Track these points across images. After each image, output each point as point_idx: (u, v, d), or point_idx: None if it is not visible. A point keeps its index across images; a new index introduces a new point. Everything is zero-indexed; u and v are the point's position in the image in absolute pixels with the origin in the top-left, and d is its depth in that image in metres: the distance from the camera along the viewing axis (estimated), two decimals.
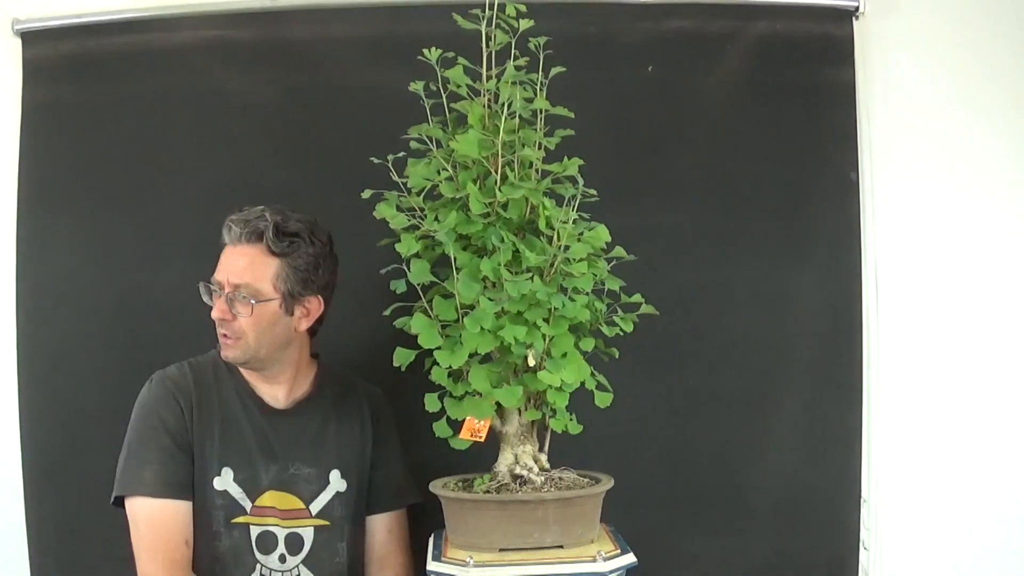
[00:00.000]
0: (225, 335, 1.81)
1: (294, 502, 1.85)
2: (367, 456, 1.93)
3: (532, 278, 1.54)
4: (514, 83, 1.62)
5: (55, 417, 2.14)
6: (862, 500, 2.21)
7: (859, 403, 2.21)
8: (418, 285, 1.58)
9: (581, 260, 1.59)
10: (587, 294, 1.61)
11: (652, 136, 2.24)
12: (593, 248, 1.63)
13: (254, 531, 1.82)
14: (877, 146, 2.26)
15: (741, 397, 2.19)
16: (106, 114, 2.20)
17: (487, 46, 1.66)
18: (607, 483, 1.61)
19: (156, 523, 1.76)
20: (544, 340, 1.56)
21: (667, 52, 2.23)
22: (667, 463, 2.19)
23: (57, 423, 2.14)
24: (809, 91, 2.24)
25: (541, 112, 1.66)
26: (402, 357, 1.60)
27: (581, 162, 1.66)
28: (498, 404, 1.57)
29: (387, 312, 1.63)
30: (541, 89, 1.65)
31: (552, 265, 1.59)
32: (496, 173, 1.61)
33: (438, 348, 1.54)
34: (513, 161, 1.62)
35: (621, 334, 1.66)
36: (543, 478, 1.61)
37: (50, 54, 2.21)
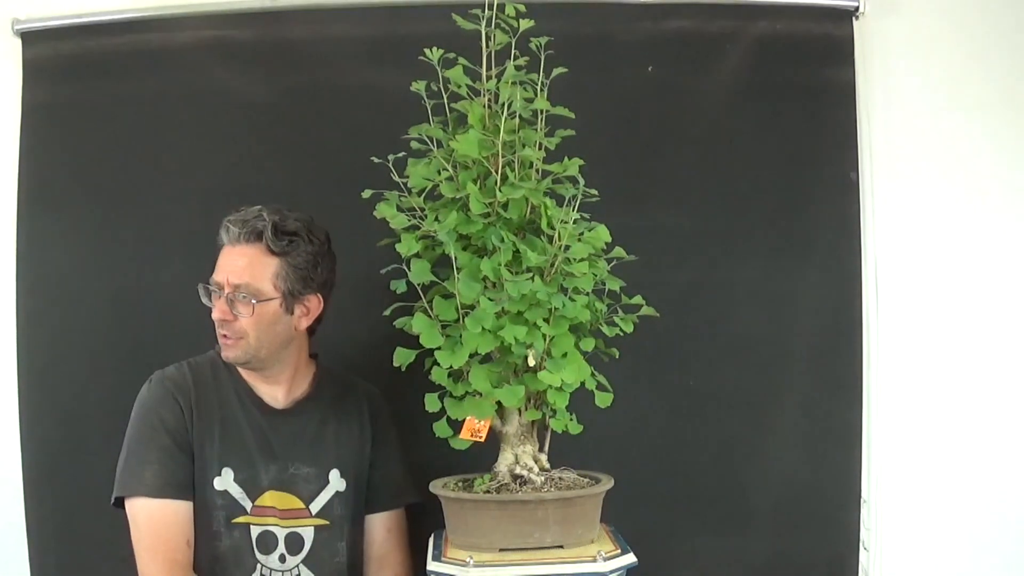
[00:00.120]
0: (226, 336, 1.81)
1: (294, 502, 1.85)
2: (366, 456, 1.93)
3: (532, 278, 1.54)
4: (514, 83, 1.62)
5: (55, 417, 2.14)
6: (862, 500, 2.21)
7: (859, 403, 2.21)
8: (418, 285, 1.58)
9: (581, 260, 1.59)
10: (587, 294, 1.61)
11: (652, 136, 2.24)
12: (593, 248, 1.63)
13: (254, 531, 1.82)
14: (877, 146, 2.26)
15: (741, 397, 2.19)
16: (106, 114, 2.20)
17: (487, 46, 1.66)
18: (607, 483, 1.61)
19: (157, 523, 1.76)
20: (544, 340, 1.56)
21: (667, 52, 2.24)
22: (667, 463, 2.19)
23: (57, 423, 2.14)
24: (809, 91, 2.24)
25: (541, 112, 1.66)
26: (402, 357, 1.60)
27: (581, 162, 1.66)
28: (498, 404, 1.57)
29: (387, 312, 1.62)
30: (541, 89, 1.65)
31: (552, 265, 1.59)
32: (496, 173, 1.61)
33: (438, 348, 1.54)
34: (513, 161, 1.62)
35: (621, 334, 1.66)
36: (543, 478, 1.61)
37: (50, 54, 2.21)
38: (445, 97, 1.66)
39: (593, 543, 1.58)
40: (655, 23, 2.24)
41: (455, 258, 1.55)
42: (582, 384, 1.60)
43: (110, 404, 2.01)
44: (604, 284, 1.67)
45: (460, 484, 1.65)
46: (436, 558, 1.57)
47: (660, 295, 1.75)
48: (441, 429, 1.62)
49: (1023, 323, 2.27)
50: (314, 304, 1.86)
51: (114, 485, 1.80)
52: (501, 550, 1.54)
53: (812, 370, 2.21)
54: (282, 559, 1.83)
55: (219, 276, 1.81)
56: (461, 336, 1.54)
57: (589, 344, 1.63)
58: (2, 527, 2.15)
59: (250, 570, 1.81)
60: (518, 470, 1.62)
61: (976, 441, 2.25)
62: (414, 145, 1.67)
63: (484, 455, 1.65)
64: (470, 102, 1.67)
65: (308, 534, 1.85)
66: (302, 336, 1.90)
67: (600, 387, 1.64)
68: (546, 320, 1.56)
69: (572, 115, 1.69)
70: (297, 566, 1.84)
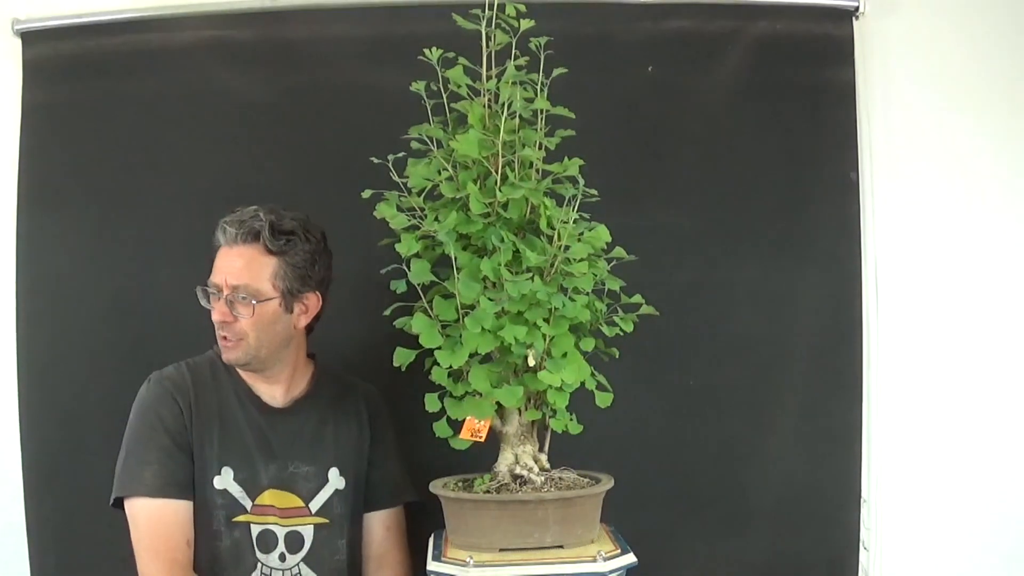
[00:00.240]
0: (226, 338, 1.81)
1: (293, 500, 1.85)
2: (364, 454, 1.93)
3: (532, 278, 1.54)
4: (514, 83, 1.62)
5: (55, 417, 2.14)
6: (862, 500, 2.21)
7: (859, 403, 2.21)
8: (418, 285, 1.58)
9: (581, 260, 1.59)
10: (587, 294, 1.61)
11: (652, 136, 2.24)
12: (593, 248, 1.63)
13: (255, 530, 1.82)
14: (877, 146, 2.26)
15: (741, 397, 2.19)
16: (106, 114, 2.20)
17: (487, 46, 1.66)
18: (607, 483, 1.61)
19: (156, 523, 1.76)
20: (544, 340, 1.56)
21: (667, 52, 2.24)
22: (667, 463, 2.19)
23: (57, 423, 2.14)
24: (809, 91, 2.24)
25: (541, 112, 1.66)
26: (402, 357, 1.60)
27: (581, 162, 1.66)
28: (498, 404, 1.57)
29: (387, 312, 1.62)
30: (541, 89, 1.65)
31: (552, 265, 1.59)
32: (496, 173, 1.61)
33: (438, 348, 1.54)
34: (513, 161, 1.62)
35: (621, 334, 1.66)
36: (543, 478, 1.61)
37: (50, 54, 2.21)
38: (445, 97, 1.66)
39: (593, 543, 1.58)
40: (655, 23, 2.24)
41: (455, 258, 1.55)
42: (582, 384, 1.60)
43: (110, 404, 2.01)
44: (604, 284, 1.67)
45: (460, 484, 1.65)
46: (436, 558, 1.57)
47: (660, 295, 1.75)
48: (441, 429, 1.62)
49: (1023, 323, 2.27)
50: (313, 302, 1.86)
51: (113, 486, 1.80)
52: (501, 550, 1.53)
53: (812, 370, 2.21)
54: (282, 558, 1.83)
55: (217, 278, 1.80)
56: (461, 336, 1.54)
57: (589, 344, 1.63)
58: (2, 527, 2.15)
59: (250, 569, 1.81)
60: (518, 470, 1.62)
61: (976, 441, 2.25)
62: (414, 145, 1.67)
63: (484, 455, 1.65)
64: (470, 102, 1.67)
65: (308, 532, 1.85)
66: (301, 335, 1.90)
67: (600, 387, 1.64)
68: (546, 320, 1.55)
69: (572, 115, 1.69)
70: (297, 564, 1.84)
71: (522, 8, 1.67)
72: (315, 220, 1.86)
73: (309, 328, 1.91)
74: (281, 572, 1.83)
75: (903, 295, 2.26)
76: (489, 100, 1.67)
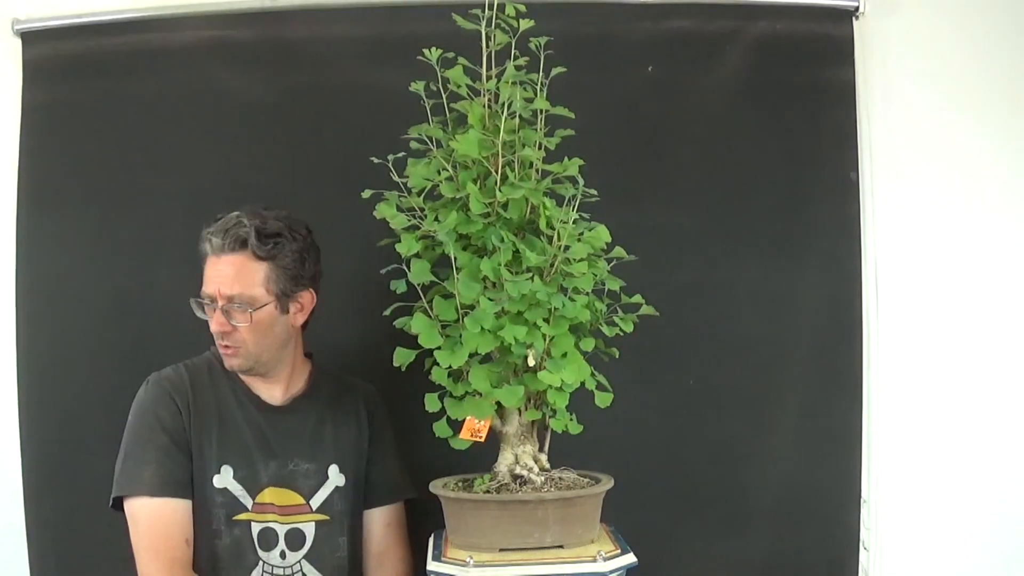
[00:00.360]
0: (227, 346, 1.81)
1: (294, 498, 1.85)
2: (363, 452, 1.93)
3: (532, 278, 1.54)
4: (514, 83, 1.62)
5: (55, 417, 2.14)
6: (862, 500, 2.21)
7: (859, 403, 2.21)
8: (418, 285, 1.58)
9: (581, 260, 1.59)
10: (587, 294, 1.61)
11: (652, 136, 2.24)
12: (593, 248, 1.63)
13: (255, 528, 1.82)
14: (877, 146, 2.26)
15: (741, 397, 2.19)
16: (106, 114, 2.20)
17: (487, 46, 1.66)
18: (607, 483, 1.61)
19: (156, 522, 1.76)
20: (544, 340, 1.56)
21: (667, 52, 2.23)
22: (667, 463, 2.19)
23: (57, 423, 2.14)
24: (809, 91, 2.24)
25: (541, 112, 1.66)
26: (402, 357, 1.60)
27: (581, 162, 1.66)
28: (498, 404, 1.57)
29: (387, 312, 1.62)
30: (541, 89, 1.65)
31: (552, 265, 1.59)
32: (496, 173, 1.61)
33: (438, 348, 1.54)
34: (513, 161, 1.62)
35: (621, 334, 1.66)
36: (543, 478, 1.61)
37: (50, 54, 2.20)
38: (445, 97, 1.66)
39: (593, 543, 1.58)
40: (655, 23, 2.24)
41: (455, 258, 1.55)
42: (582, 384, 1.60)
43: (110, 404, 2.00)
44: (604, 284, 1.67)
45: (460, 484, 1.65)
46: (436, 558, 1.57)
47: (660, 295, 1.75)
48: (441, 429, 1.62)
49: (1023, 323, 2.27)
50: (307, 299, 1.87)
51: (112, 486, 1.80)
52: (501, 550, 1.53)
53: (812, 370, 2.21)
54: (283, 555, 1.83)
55: (210, 288, 1.80)
56: (461, 336, 1.54)
57: (589, 344, 1.63)
58: (2, 528, 2.15)
59: (251, 567, 1.81)
60: (518, 470, 1.62)
61: (976, 441, 2.25)
62: (414, 145, 1.67)
63: (484, 455, 1.65)
64: (470, 102, 1.67)
65: (309, 530, 1.85)
66: (298, 333, 1.91)
67: (600, 387, 1.64)
68: (546, 320, 1.56)
69: (572, 115, 1.69)
70: (299, 562, 1.84)
71: (522, 8, 1.67)
72: (297, 215, 1.84)
73: (304, 324, 1.91)
74: (282, 570, 1.83)
75: (903, 295, 2.26)
76: (489, 100, 1.67)
